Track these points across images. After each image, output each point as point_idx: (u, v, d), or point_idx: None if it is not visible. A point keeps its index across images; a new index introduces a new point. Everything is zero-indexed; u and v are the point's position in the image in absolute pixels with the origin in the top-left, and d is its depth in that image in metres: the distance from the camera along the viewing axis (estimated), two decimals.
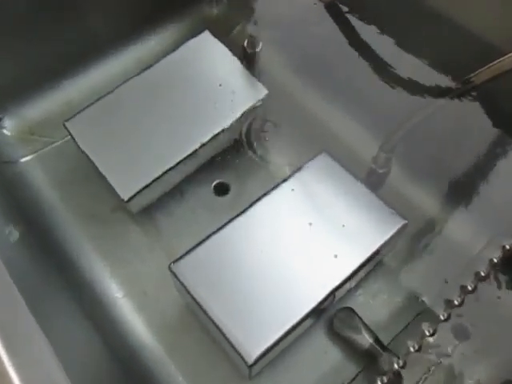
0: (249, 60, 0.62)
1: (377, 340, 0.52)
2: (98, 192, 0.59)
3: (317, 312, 0.49)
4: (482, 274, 0.49)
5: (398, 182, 0.61)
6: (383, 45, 0.61)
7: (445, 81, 0.56)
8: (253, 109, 0.59)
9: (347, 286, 0.52)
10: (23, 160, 0.64)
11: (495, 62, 0.49)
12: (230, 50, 0.62)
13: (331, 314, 0.53)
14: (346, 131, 0.65)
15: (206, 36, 0.63)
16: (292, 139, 0.65)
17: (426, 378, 0.49)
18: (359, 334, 0.52)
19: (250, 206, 0.52)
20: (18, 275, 0.42)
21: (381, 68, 0.61)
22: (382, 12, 0.60)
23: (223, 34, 0.64)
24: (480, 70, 0.48)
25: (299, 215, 0.52)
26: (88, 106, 0.59)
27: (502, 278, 0.54)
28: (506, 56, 0.48)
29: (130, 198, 0.55)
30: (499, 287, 0.53)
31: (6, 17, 0.59)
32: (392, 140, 0.55)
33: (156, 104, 0.59)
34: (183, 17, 0.74)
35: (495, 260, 0.49)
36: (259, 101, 0.59)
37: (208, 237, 0.50)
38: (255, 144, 0.64)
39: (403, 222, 0.52)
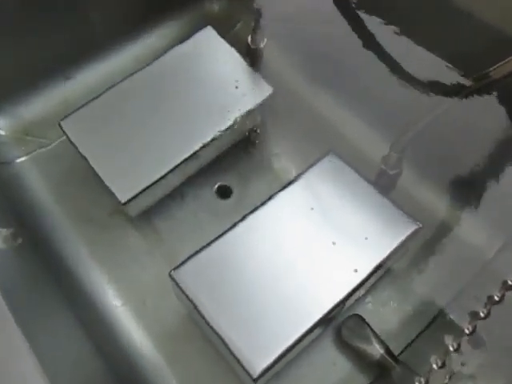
0: (252, 57, 0.61)
1: (388, 351, 0.50)
2: (95, 195, 0.58)
3: (325, 322, 0.47)
4: (510, 282, 0.46)
5: (408, 183, 0.59)
6: (393, 40, 0.58)
7: (459, 77, 0.54)
8: (257, 108, 0.58)
9: (357, 293, 0.50)
10: (18, 161, 0.63)
11: None
12: (233, 47, 0.61)
13: (339, 322, 0.52)
14: (354, 131, 0.63)
15: (209, 32, 0.61)
16: (298, 139, 0.64)
17: None
18: (369, 343, 0.50)
19: (255, 209, 0.50)
20: (6, 281, 0.42)
21: (391, 65, 0.59)
22: (393, 5, 0.58)
23: (225, 31, 0.63)
24: (499, 64, 0.45)
25: (306, 219, 0.50)
26: (84, 105, 0.57)
27: None
28: None
29: (128, 201, 0.53)
30: None
31: (0, 14, 0.58)
32: (403, 139, 0.53)
33: (156, 103, 0.57)
34: (183, 14, 0.72)
35: None
36: (264, 99, 0.58)
37: (210, 242, 0.49)
38: (259, 144, 0.63)
39: (416, 226, 0.50)
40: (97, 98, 0.58)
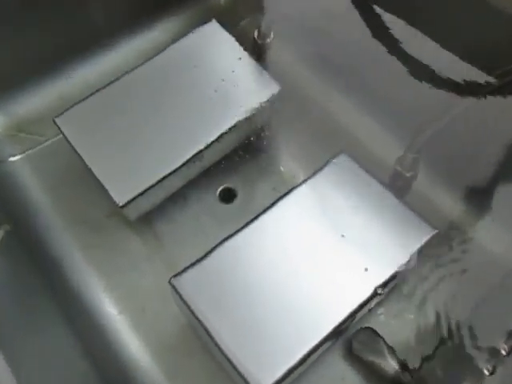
0: (259, 52, 0.59)
1: (404, 366, 0.48)
2: (92, 196, 0.56)
3: (335, 335, 0.45)
4: None
5: (423, 186, 0.57)
6: (409, 36, 0.57)
7: (480, 75, 0.51)
8: (263, 106, 0.55)
9: (370, 304, 0.47)
10: (11, 159, 0.61)
11: None
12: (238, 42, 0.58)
13: (349, 335, 0.50)
14: (367, 131, 0.61)
15: (213, 25, 0.59)
16: (306, 140, 0.61)
17: None
18: (382, 358, 0.48)
19: (260, 214, 0.48)
20: None
21: (406, 62, 0.57)
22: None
23: (230, 26, 0.60)
24: None
25: (315, 225, 0.48)
26: (81, 101, 0.55)
27: None
28: None
29: (126, 204, 0.51)
30: None
31: None
32: (420, 139, 0.51)
33: (157, 99, 0.55)
34: (187, 7, 0.70)
35: None
36: (271, 97, 0.55)
37: (213, 248, 0.46)
38: (265, 145, 0.61)
39: (433, 231, 0.48)
40: (94, 93, 0.55)
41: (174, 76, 0.57)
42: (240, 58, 0.57)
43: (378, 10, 0.57)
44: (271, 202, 0.49)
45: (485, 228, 0.56)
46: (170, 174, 0.52)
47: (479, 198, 0.57)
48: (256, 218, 0.48)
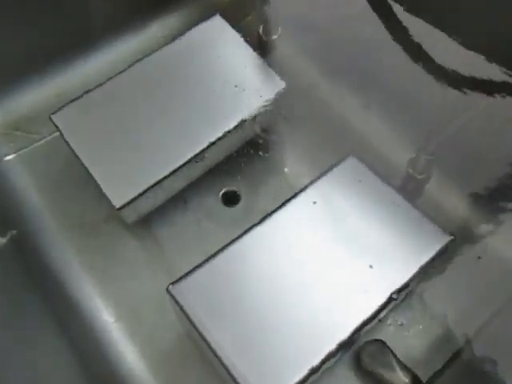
0: (264, 49, 0.59)
1: (415, 379, 0.46)
2: (89, 197, 0.55)
3: (343, 348, 0.43)
4: None
5: (438, 189, 0.56)
6: (423, 32, 0.56)
7: (500, 73, 0.49)
8: (268, 104, 0.54)
9: (380, 315, 0.45)
10: (7, 158, 0.60)
11: None
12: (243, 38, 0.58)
13: (358, 347, 0.48)
14: (376, 131, 0.60)
15: (217, 20, 0.58)
16: (313, 141, 0.60)
17: None
18: (392, 371, 0.47)
19: (264, 218, 0.47)
20: None
21: (419, 59, 0.57)
22: None
23: (235, 22, 0.59)
24: None
25: (323, 231, 0.46)
26: (79, 97, 0.54)
27: None
28: None
29: (124, 206, 0.50)
30: None
31: None
32: (436, 140, 0.51)
33: (157, 97, 0.54)
34: (190, 2, 0.70)
35: None
36: (276, 95, 0.54)
37: (214, 254, 0.45)
38: (270, 146, 0.60)
39: (448, 238, 0.46)
40: (93, 90, 0.55)
41: (175, 72, 0.56)
42: (244, 55, 0.56)
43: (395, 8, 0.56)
44: (276, 206, 0.48)
45: (502, 234, 0.54)
46: (170, 174, 0.51)
47: (496, 203, 0.56)
48: (260, 222, 0.47)
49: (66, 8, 0.61)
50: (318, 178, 0.50)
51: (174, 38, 0.58)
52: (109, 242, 0.55)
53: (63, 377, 0.46)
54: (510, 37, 0.50)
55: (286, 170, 0.59)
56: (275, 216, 0.47)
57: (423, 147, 0.52)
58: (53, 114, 0.53)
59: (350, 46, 0.63)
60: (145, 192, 0.50)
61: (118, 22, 0.66)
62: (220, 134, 0.52)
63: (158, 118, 0.53)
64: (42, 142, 0.61)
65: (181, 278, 0.44)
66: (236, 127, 0.53)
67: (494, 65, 0.51)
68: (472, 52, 0.52)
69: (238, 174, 0.59)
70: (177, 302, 0.43)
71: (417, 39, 0.57)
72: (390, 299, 0.44)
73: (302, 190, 0.49)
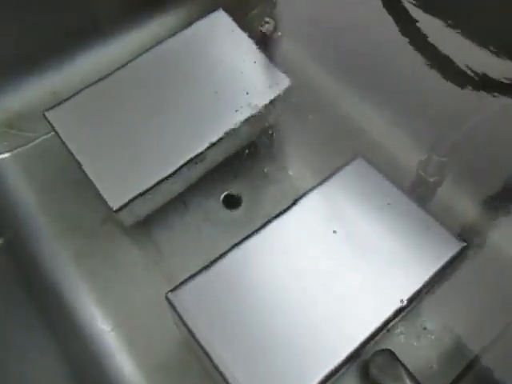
0: (268, 45, 0.58)
1: None
2: (86, 199, 0.54)
3: (351, 360, 0.41)
4: None
5: (449, 193, 0.55)
6: (435, 29, 0.56)
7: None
8: (272, 103, 0.53)
9: (390, 325, 0.44)
10: (0, 158, 0.60)
11: None
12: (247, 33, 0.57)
13: (367, 358, 0.46)
14: (385, 132, 0.60)
15: (220, 15, 0.57)
16: (318, 142, 0.60)
17: None
18: None
19: (267, 223, 0.46)
20: None
21: (431, 57, 0.56)
22: None
23: (238, 17, 0.59)
24: None
25: (329, 237, 0.45)
26: (75, 94, 0.53)
27: None
28: None
29: (121, 208, 0.49)
30: None
31: None
32: (450, 140, 0.49)
33: (156, 95, 0.54)
34: None
35: None
36: (280, 93, 0.53)
37: (215, 260, 0.44)
38: (274, 147, 0.60)
39: (461, 244, 0.45)
40: (89, 87, 0.54)
41: (176, 69, 0.55)
42: (247, 51, 0.55)
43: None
44: (279, 210, 0.47)
45: None
46: (169, 176, 0.50)
47: (508, 205, 0.55)
48: (262, 227, 0.46)
49: (63, 3, 0.61)
50: (324, 180, 0.49)
51: (175, 32, 0.57)
52: (106, 245, 0.55)
53: None
54: None
55: (289, 172, 0.59)
56: (278, 221, 0.46)
57: (436, 148, 0.51)
58: (47, 110, 0.52)
59: (359, 43, 0.63)
60: (143, 194, 0.49)
61: (118, 18, 0.66)
62: (221, 134, 0.52)
63: (157, 116, 0.53)
64: (38, 141, 0.60)
65: (180, 285, 0.43)
66: (238, 127, 0.52)
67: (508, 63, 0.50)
68: (486, 51, 0.51)
69: (240, 176, 0.58)
70: (175, 310, 0.42)
71: (429, 36, 0.56)
72: (400, 309, 0.42)
73: (306, 194, 0.48)
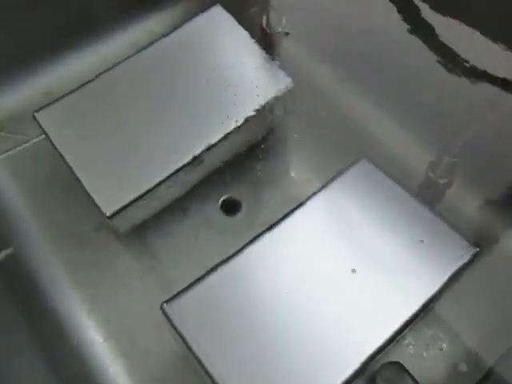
0: (268, 42, 0.58)
1: None
2: (79, 205, 0.52)
3: (358, 375, 0.40)
4: None
5: (458, 195, 0.54)
6: (448, 25, 0.56)
7: None
8: (273, 103, 0.53)
9: (399, 337, 0.42)
10: None
11: None
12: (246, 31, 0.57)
13: (374, 370, 0.44)
14: (391, 132, 0.59)
15: (218, 11, 0.56)
16: (322, 144, 0.59)
17: None
18: None
19: (268, 229, 0.46)
20: None
21: (439, 53, 0.56)
22: None
23: (237, 14, 0.58)
24: None
25: (333, 243, 0.45)
26: (66, 95, 0.53)
27: None
28: None
29: (115, 214, 0.48)
30: None
31: None
32: (461, 140, 0.48)
33: (152, 94, 0.53)
34: None
35: None
36: (281, 93, 0.53)
37: (213, 269, 0.43)
38: (275, 149, 0.59)
39: (473, 250, 0.44)
40: (82, 86, 0.53)
41: (172, 67, 0.54)
42: (247, 48, 0.55)
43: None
44: (280, 215, 0.47)
45: None
46: (165, 180, 0.49)
47: None
48: (263, 233, 0.45)
49: (55, 1, 0.60)
50: (328, 183, 0.48)
51: (171, 31, 0.57)
52: (99, 253, 0.54)
53: None
54: None
55: (291, 175, 0.58)
56: (280, 227, 0.46)
57: (446, 148, 0.50)
58: (37, 111, 0.52)
59: (364, 42, 0.62)
60: (138, 199, 0.49)
61: (113, 16, 0.65)
62: (220, 136, 0.51)
63: (152, 117, 0.52)
64: (29, 144, 0.59)
65: (176, 296, 0.42)
66: (237, 128, 0.52)
67: None
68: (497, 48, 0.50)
69: (240, 179, 0.58)
70: (171, 322, 0.41)
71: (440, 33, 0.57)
72: (411, 319, 0.41)
73: (309, 198, 0.47)
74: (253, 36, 0.56)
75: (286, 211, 0.47)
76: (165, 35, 0.57)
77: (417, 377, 0.44)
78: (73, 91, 0.53)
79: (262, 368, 0.39)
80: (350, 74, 0.63)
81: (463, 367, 0.48)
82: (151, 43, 0.56)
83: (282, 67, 0.54)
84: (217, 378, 0.38)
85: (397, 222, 0.45)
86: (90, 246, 0.54)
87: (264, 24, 0.57)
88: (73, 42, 0.63)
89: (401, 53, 0.60)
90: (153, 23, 0.67)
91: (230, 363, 0.39)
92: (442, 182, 0.52)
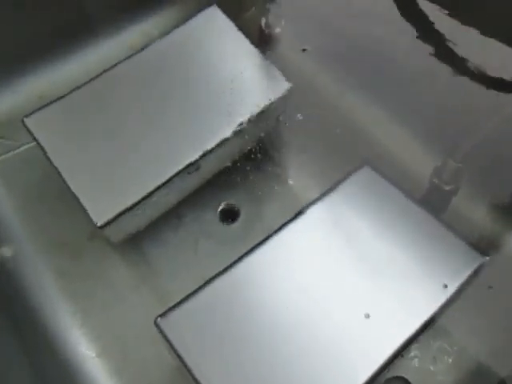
0: (267, 44, 0.57)
1: None
2: (72, 213, 0.50)
3: None
4: None
5: (465, 202, 0.53)
6: (449, 26, 0.56)
7: None
8: (271, 107, 0.52)
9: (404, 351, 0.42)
10: None
11: None
12: (244, 34, 0.55)
13: None
14: (393, 138, 0.58)
15: (214, 12, 0.56)
16: (321, 149, 0.58)
17: None
18: None
19: (267, 238, 0.45)
20: None
21: (443, 56, 0.55)
22: None
23: (235, 16, 0.57)
24: None
25: (334, 253, 0.44)
26: (58, 99, 0.51)
27: None
28: None
29: (107, 224, 0.46)
30: None
31: None
32: (466, 144, 0.49)
33: (146, 99, 0.52)
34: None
35: None
36: (280, 97, 0.52)
37: (209, 281, 0.42)
38: (273, 155, 0.58)
39: (482, 259, 0.43)
40: (74, 90, 0.52)
41: (166, 71, 0.53)
42: (244, 51, 0.54)
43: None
44: (280, 223, 0.46)
45: None
46: (160, 187, 0.48)
47: None
48: (261, 243, 0.44)
49: (51, 2, 0.59)
50: (328, 191, 0.47)
51: (166, 34, 0.56)
52: (92, 263, 0.53)
53: None
54: None
55: (290, 182, 0.57)
56: (279, 235, 0.45)
57: (452, 152, 0.49)
58: (26, 116, 0.50)
59: (363, 42, 0.62)
60: (132, 207, 0.47)
61: (109, 18, 0.64)
62: (217, 141, 0.50)
63: (147, 122, 0.51)
64: (20, 149, 0.58)
65: (171, 309, 0.41)
66: (234, 133, 0.51)
67: None
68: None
69: (238, 186, 0.57)
70: (166, 337, 0.40)
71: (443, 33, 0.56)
72: (418, 332, 0.40)
73: (309, 205, 0.46)
74: (250, 38, 0.55)
75: (285, 219, 0.46)
76: (160, 37, 0.55)
77: None
78: (64, 95, 0.52)
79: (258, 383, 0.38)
80: (350, 77, 0.62)
81: (472, 381, 0.46)
82: (146, 46, 0.55)
83: (280, 70, 0.53)
84: None
85: (401, 231, 0.45)
86: (83, 256, 0.53)
87: (262, 24, 0.57)
88: (68, 44, 0.62)
89: (404, 55, 0.59)
90: (149, 26, 0.66)
91: (226, 378, 0.38)
92: (447, 188, 0.51)
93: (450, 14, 0.56)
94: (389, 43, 0.60)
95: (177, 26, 0.57)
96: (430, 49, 0.58)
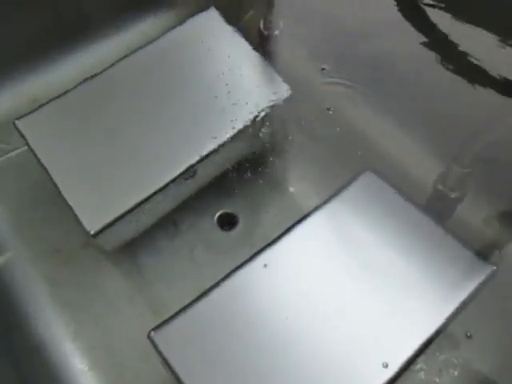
0: (266, 47, 0.57)
1: None
2: (65, 220, 0.50)
3: None
4: None
5: (471, 210, 0.52)
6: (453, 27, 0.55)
7: None
8: (270, 112, 0.51)
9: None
10: None
11: None
12: (243, 37, 0.55)
13: None
14: (397, 143, 0.58)
15: (211, 14, 0.55)
16: (322, 155, 0.58)
17: None
18: None
19: (266, 246, 0.44)
20: None
21: (446, 59, 0.55)
22: None
23: (233, 18, 0.57)
24: None
25: (336, 262, 0.43)
26: (50, 101, 0.51)
27: None
28: None
29: (100, 232, 0.46)
30: None
31: None
32: (472, 148, 0.46)
33: (141, 102, 0.51)
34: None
35: None
36: (279, 101, 0.52)
37: (206, 292, 0.41)
38: (273, 161, 0.57)
39: (490, 268, 0.42)
40: (67, 92, 0.51)
41: (163, 73, 0.53)
42: (242, 54, 0.53)
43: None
44: (280, 231, 0.45)
45: None
46: (155, 194, 0.47)
47: None
48: (261, 250, 0.43)
49: (46, 2, 0.59)
50: (330, 197, 0.47)
51: (163, 35, 0.56)
52: (86, 272, 0.52)
53: None
54: None
55: (290, 188, 0.57)
56: (279, 244, 0.44)
57: (457, 158, 0.48)
58: (18, 119, 0.50)
59: (363, 45, 0.61)
60: (126, 214, 0.47)
61: (106, 19, 0.64)
62: (214, 146, 0.49)
63: (142, 126, 0.50)
64: (13, 154, 0.58)
65: (164, 323, 0.40)
66: (233, 138, 0.50)
67: None
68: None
69: (236, 193, 0.56)
70: (159, 351, 0.39)
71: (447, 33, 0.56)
72: (424, 346, 0.38)
73: (310, 213, 0.46)
74: (249, 40, 0.55)
75: (285, 226, 0.45)
76: (155, 39, 0.55)
77: None
78: (57, 97, 0.51)
79: None
80: (352, 81, 0.61)
81: None
82: (142, 47, 0.54)
83: (279, 73, 0.53)
84: None
85: (405, 239, 0.44)
86: (77, 264, 0.52)
87: (261, 26, 0.56)
88: (63, 46, 0.63)
89: (407, 60, 0.59)
90: (148, 28, 0.66)
91: None
92: (452, 195, 0.50)
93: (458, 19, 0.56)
94: (390, 47, 0.60)
95: (174, 27, 0.56)
96: (432, 54, 0.57)
